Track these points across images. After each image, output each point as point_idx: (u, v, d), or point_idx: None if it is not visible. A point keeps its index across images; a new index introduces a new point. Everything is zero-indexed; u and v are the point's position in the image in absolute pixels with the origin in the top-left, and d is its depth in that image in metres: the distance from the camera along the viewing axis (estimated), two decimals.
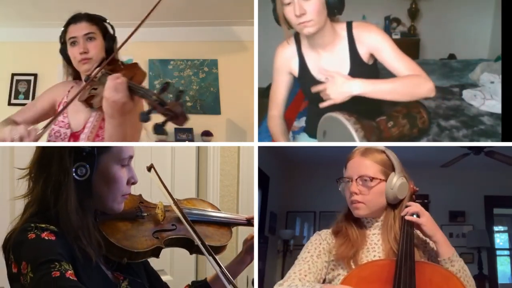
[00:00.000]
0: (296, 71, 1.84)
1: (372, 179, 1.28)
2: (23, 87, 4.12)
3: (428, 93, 1.66)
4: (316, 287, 1.15)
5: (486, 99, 2.22)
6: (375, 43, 1.71)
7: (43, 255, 1.04)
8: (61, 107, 1.80)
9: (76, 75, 1.90)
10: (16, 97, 4.10)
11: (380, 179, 1.28)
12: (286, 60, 1.84)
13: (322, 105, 1.63)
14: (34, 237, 1.07)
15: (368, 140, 1.61)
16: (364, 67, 1.75)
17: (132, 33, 1.68)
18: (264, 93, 2.36)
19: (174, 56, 4.13)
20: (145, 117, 1.37)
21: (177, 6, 3.54)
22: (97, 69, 1.69)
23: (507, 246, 4.12)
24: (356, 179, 1.29)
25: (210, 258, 1.25)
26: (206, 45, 4.11)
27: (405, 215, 1.26)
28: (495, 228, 4.10)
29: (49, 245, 1.07)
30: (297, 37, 1.81)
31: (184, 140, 3.96)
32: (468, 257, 3.90)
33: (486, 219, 4.04)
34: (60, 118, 1.80)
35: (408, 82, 1.64)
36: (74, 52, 1.79)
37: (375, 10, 4.09)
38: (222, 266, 1.26)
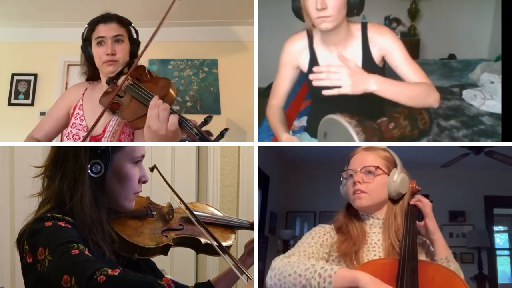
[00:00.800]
0: (305, 66, 1.83)
1: (376, 168, 1.29)
2: (23, 87, 4.12)
3: (434, 103, 1.72)
4: (334, 268, 1.10)
5: (486, 99, 2.22)
6: (388, 46, 1.73)
7: (60, 238, 1.06)
8: (76, 110, 1.79)
9: (90, 76, 1.86)
10: (16, 97, 4.10)
11: (384, 171, 1.30)
12: (295, 54, 1.83)
13: (327, 92, 1.59)
14: (51, 225, 1.09)
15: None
16: (375, 69, 1.76)
17: (153, 36, 1.66)
18: (264, 93, 2.36)
19: (174, 56, 4.13)
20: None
21: (177, 6, 3.54)
22: (123, 77, 1.65)
23: (507, 246, 4.13)
24: (361, 170, 1.30)
25: (226, 255, 1.30)
26: (206, 45, 4.11)
27: (412, 201, 1.29)
28: (495, 228, 4.11)
29: (66, 231, 1.09)
30: (309, 32, 1.80)
31: (184, 140, 3.96)
32: (468, 257, 3.92)
33: (486, 219, 4.05)
34: (77, 121, 1.77)
35: (419, 89, 1.68)
36: (100, 52, 1.73)
37: (375, 10, 4.09)
38: (235, 258, 1.31)
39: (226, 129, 1.41)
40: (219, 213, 1.59)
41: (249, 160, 2.84)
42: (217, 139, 1.40)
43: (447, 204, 3.94)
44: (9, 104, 4.14)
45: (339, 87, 1.56)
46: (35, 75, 4.12)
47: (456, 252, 3.94)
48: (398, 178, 1.29)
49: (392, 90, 1.62)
